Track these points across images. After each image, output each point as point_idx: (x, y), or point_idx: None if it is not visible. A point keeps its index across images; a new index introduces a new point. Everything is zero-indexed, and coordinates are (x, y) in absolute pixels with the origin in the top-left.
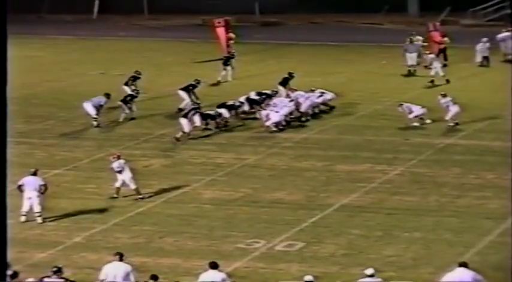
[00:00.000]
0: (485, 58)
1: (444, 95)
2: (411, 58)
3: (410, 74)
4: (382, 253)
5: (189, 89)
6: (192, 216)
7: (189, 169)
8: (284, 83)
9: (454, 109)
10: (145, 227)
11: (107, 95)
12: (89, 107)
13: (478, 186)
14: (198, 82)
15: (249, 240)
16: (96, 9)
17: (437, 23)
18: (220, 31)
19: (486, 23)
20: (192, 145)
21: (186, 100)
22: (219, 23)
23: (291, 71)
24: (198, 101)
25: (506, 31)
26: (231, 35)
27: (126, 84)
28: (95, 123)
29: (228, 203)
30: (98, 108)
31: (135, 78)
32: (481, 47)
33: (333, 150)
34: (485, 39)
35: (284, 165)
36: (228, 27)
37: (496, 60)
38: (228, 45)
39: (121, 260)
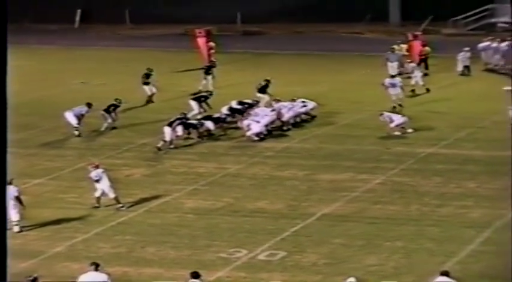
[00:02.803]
0: (466, 67)
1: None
2: (392, 67)
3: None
4: (363, 262)
5: (200, 100)
6: (173, 226)
7: (171, 178)
8: (262, 90)
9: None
10: (127, 237)
11: (88, 104)
12: (70, 117)
13: (459, 195)
14: (211, 94)
15: (230, 250)
16: (78, 18)
17: (419, 33)
18: (201, 41)
19: (467, 32)
20: (173, 154)
21: (195, 111)
22: (200, 32)
23: (267, 78)
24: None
25: (487, 40)
26: (212, 44)
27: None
28: (76, 132)
29: (209, 212)
30: (79, 117)
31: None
32: (462, 56)
33: (315, 160)
34: (466, 48)
35: (266, 175)
36: (208, 37)
37: (477, 70)
38: (209, 55)
39: (97, 269)
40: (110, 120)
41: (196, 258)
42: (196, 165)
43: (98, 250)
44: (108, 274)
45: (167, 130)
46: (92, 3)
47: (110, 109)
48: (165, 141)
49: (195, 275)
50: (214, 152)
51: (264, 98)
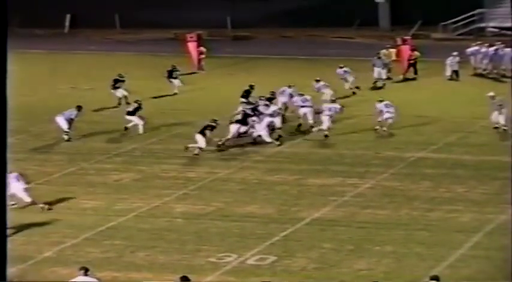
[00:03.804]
0: (455, 72)
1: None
2: (378, 72)
3: (377, 87)
4: (353, 267)
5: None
6: (163, 231)
7: (160, 183)
8: (246, 95)
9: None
10: (117, 242)
11: (78, 108)
12: (61, 121)
13: (448, 199)
14: (252, 87)
15: (220, 254)
16: (67, 23)
17: (408, 37)
18: (192, 45)
19: (456, 37)
20: (163, 159)
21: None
22: (191, 37)
23: (252, 84)
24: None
25: (476, 45)
26: (203, 49)
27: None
28: (65, 137)
29: (199, 217)
30: (70, 121)
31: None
32: (451, 61)
33: (304, 164)
34: (455, 53)
35: (255, 179)
36: (199, 42)
37: (466, 74)
38: (199, 60)
39: (86, 274)
40: (141, 122)
41: (185, 262)
42: (185, 170)
43: (87, 255)
44: (98, 279)
45: (199, 137)
46: (82, 8)
47: (134, 111)
48: (201, 148)
49: (185, 280)
50: (203, 156)
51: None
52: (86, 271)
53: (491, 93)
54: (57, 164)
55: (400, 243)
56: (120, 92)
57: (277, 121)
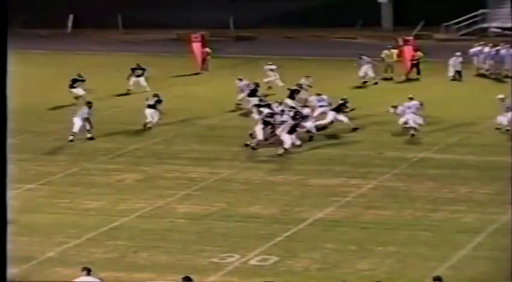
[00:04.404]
0: (458, 72)
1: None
2: (364, 70)
3: (363, 85)
4: (356, 267)
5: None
6: (166, 231)
7: (163, 183)
8: (252, 94)
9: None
10: (119, 242)
11: (89, 104)
12: (77, 121)
13: (451, 200)
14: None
15: (223, 255)
16: (70, 23)
17: (410, 38)
18: (197, 46)
19: (459, 37)
20: (165, 159)
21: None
22: (196, 37)
23: (257, 81)
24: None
25: (479, 45)
26: (208, 49)
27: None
28: (88, 135)
29: (202, 217)
30: (85, 120)
31: None
32: (454, 61)
33: (307, 165)
34: (458, 53)
35: (258, 180)
36: (204, 42)
37: (469, 75)
38: (203, 60)
39: (89, 274)
40: (159, 116)
41: (188, 263)
42: (188, 170)
43: (90, 255)
44: (100, 279)
45: (285, 137)
46: (84, 8)
47: (154, 104)
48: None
49: (187, 280)
50: (206, 156)
51: (253, 101)
52: (88, 271)
53: (502, 96)
54: (60, 164)
55: (403, 244)
56: (78, 91)
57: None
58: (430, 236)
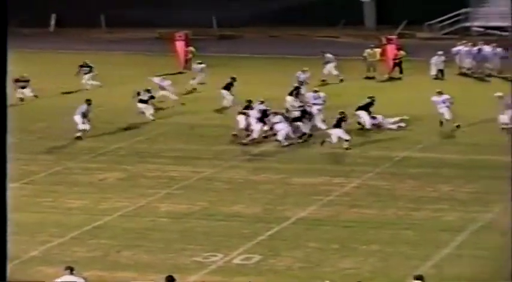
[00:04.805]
0: (440, 71)
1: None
2: (327, 69)
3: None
4: (339, 266)
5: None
6: (148, 230)
7: (145, 182)
8: (227, 87)
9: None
10: (102, 241)
11: (88, 102)
12: (77, 119)
13: (434, 199)
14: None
15: (206, 254)
16: (53, 22)
17: (393, 36)
18: (180, 45)
19: (442, 36)
20: (147, 158)
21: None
22: (179, 36)
23: (233, 76)
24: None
25: (461, 44)
26: (192, 48)
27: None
28: (79, 134)
29: (184, 216)
30: (83, 115)
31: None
32: (436, 60)
33: (290, 163)
34: (440, 52)
35: (241, 179)
36: (188, 41)
37: (451, 73)
38: (186, 59)
39: (72, 273)
40: (151, 111)
41: (171, 262)
42: (170, 169)
43: (73, 254)
44: (84, 278)
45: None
46: (68, 7)
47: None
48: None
49: (170, 279)
50: (188, 155)
51: (227, 95)
52: (71, 270)
53: (500, 93)
54: (43, 163)
55: (385, 243)
56: (22, 92)
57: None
58: (413, 234)
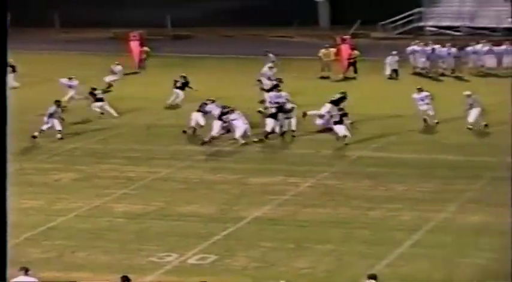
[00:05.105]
0: (395, 71)
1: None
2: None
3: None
4: (294, 266)
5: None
6: (104, 230)
7: (101, 183)
8: (182, 87)
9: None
10: (57, 242)
11: (57, 102)
12: (45, 119)
13: (389, 198)
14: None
15: (161, 254)
16: (8, 23)
17: (347, 36)
18: (134, 45)
19: (395, 36)
20: (102, 158)
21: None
22: (134, 36)
23: (183, 74)
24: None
25: (415, 44)
26: (146, 48)
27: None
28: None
29: (140, 216)
30: (49, 115)
31: None
32: (390, 60)
33: (245, 163)
34: (394, 52)
35: (196, 178)
36: (142, 41)
37: (405, 73)
38: (141, 59)
39: (27, 274)
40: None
41: (126, 262)
42: (126, 169)
43: (28, 255)
44: (39, 279)
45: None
46: (21, 7)
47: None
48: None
49: (125, 280)
50: (143, 155)
51: (180, 94)
52: (26, 271)
53: (468, 92)
54: None
55: (340, 242)
56: None
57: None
58: (368, 234)
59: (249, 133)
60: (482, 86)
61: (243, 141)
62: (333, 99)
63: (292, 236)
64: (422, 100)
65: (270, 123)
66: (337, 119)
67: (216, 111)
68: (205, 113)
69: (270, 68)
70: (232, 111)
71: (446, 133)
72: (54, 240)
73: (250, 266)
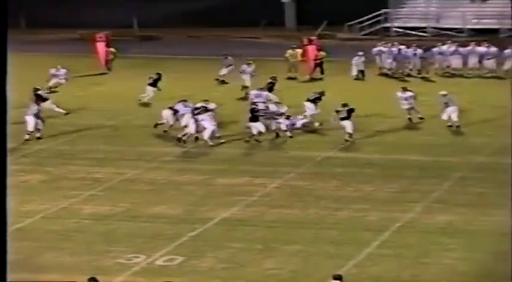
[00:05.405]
0: (361, 71)
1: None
2: (224, 71)
3: (223, 82)
4: (262, 266)
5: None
6: (71, 232)
7: (68, 184)
8: (154, 84)
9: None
10: (25, 243)
11: (37, 102)
12: (30, 119)
13: (356, 198)
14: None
15: (129, 255)
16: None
17: (314, 37)
18: (101, 46)
19: (362, 36)
20: (70, 160)
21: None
22: (100, 37)
23: (159, 71)
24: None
25: (381, 45)
26: (112, 49)
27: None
28: (27, 136)
29: (107, 218)
30: (35, 117)
31: None
32: (357, 61)
33: (212, 164)
34: (360, 52)
35: (164, 180)
36: (108, 42)
37: (372, 74)
38: (107, 60)
39: None
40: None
41: (94, 264)
42: (93, 171)
43: None
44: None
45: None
46: None
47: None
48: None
49: (94, 281)
50: (110, 157)
51: (152, 91)
52: None
53: (443, 92)
54: None
55: (308, 242)
56: None
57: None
58: (335, 234)
59: (216, 134)
60: (448, 86)
61: (211, 143)
62: (310, 98)
63: (260, 237)
64: (406, 100)
65: (253, 126)
66: (344, 114)
67: (184, 110)
68: (176, 112)
69: (249, 64)
70: (204, 110)
71: (413, 133)
72: (22, 241)
73: (218, 267)
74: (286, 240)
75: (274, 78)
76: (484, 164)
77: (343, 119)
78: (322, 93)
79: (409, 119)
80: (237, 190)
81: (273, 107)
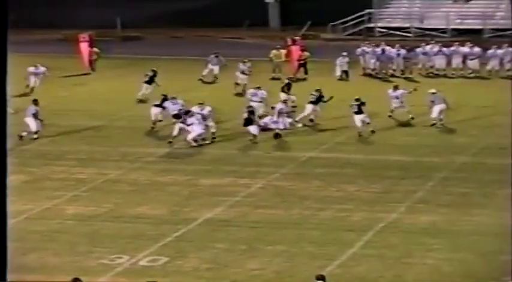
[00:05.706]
0: (345, 72)
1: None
2: (211, 70)
3: (204, 82)
4: (245, 267)
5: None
6: (55, 232)
7: (51, 185)
8: (149, 81)
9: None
10: (8, 244)
11: (34, 101)
12: (30, 120)
13: (339, 198)
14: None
15: (112, 256)
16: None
17: (298, 38)
18: (84, 46)
19: (346, 37)
20: (53, 160)
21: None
22: (83, 37)
23: (154, 68)
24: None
25: (365, 45)
26: (96, 50)
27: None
28: (34, 136)
29: (91, 218)
30: (34, 118)
31: None
32: (341, 61)
33: (196, 165)
34: (344, 53)
35: (147, 180)
36: (92, 42)
37: (356, 74)
38: (90, 61)
39: None
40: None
41: (77, 264)
42: (76, 171)
43: None
44: None
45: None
46: None
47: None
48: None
49: None
50: (93, 157)
51: (149, 87)
52: None
53: (433, 90)
54: None
55: (291, 243)
56: None
57: None
58: (319, 234)
59: (204, 136)
60: (432, 86)
61: (195, 144)
62: (311, 100)
63: (244, 237)
64: (397, 98)
65: (250, 129)
66: (355, 109)
67: (173, 108)
68: (164, 109)
69: (244, 62)
70: (192, 115)
71: (395, 134)
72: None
73: (202, 268)
74: (270, 241)
75: (291, 78)
76: (467, 164)
77: (355, 113)
78: (320, 91)
79: (390, 116)
80: (221, 190)
81: (280, 106)
